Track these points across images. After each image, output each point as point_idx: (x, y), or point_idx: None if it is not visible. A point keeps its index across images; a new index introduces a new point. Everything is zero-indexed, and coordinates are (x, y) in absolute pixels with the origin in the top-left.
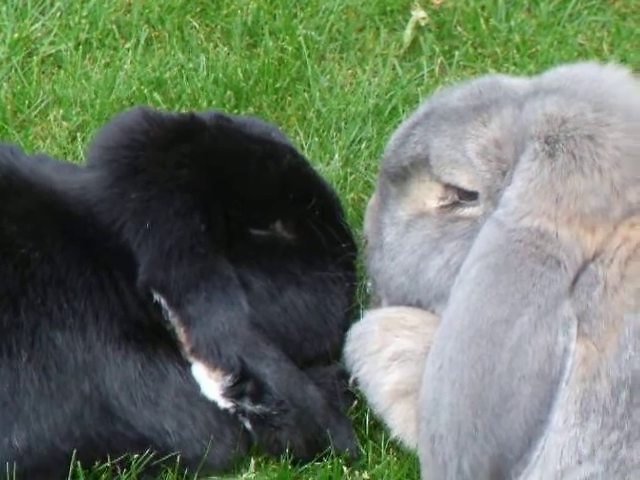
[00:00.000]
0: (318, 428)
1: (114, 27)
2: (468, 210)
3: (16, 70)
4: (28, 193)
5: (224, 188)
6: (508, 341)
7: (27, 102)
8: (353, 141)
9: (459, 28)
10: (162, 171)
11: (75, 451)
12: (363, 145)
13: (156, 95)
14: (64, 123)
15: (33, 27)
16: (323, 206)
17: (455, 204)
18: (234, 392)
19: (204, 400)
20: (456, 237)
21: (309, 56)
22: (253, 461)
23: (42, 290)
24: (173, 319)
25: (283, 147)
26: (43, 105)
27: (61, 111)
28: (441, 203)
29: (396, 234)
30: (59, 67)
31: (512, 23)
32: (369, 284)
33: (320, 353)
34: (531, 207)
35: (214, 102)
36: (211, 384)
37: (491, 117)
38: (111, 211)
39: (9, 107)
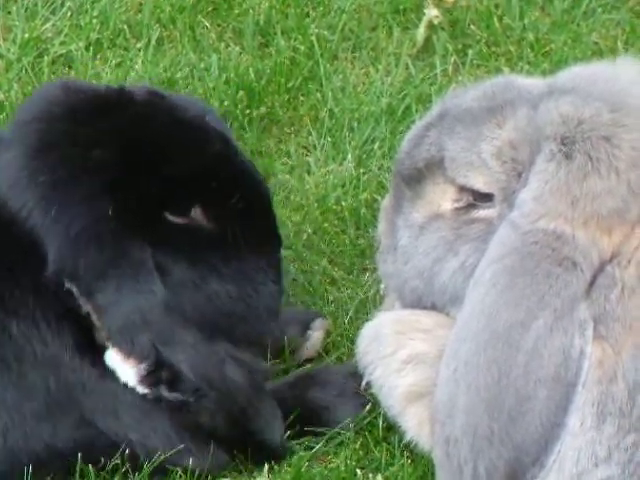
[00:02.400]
0: (240, 408)
1: (125, 27)
2: (483, 212)
3: (27, 71)
4: None
5: (142, 169)
6: (524, 344)
7: None
8: (366, 141)
9: (472, 27)
10: (73, 150)
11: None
12: (376, 145)
13: None
14: None
15: (44, 27)
16: (249, 199)
17: (470, 206)
18: (150, 380)
19: (161, 410)
20: (471, 239)
21: (321, 55)
22: (267, 465)
23: None
24: (86, 306)
25: (214, 133)
26: None
27: None
28: (455, 205)
29: (409, 237)
30: (70, 67)
31: (526, 21)
32: (382, 286)
33: (251, 337)
34: (547, 209)
35: (226, 102)
36: (127, 370)
37: (506, 118)
38: (20, 196)
39: None
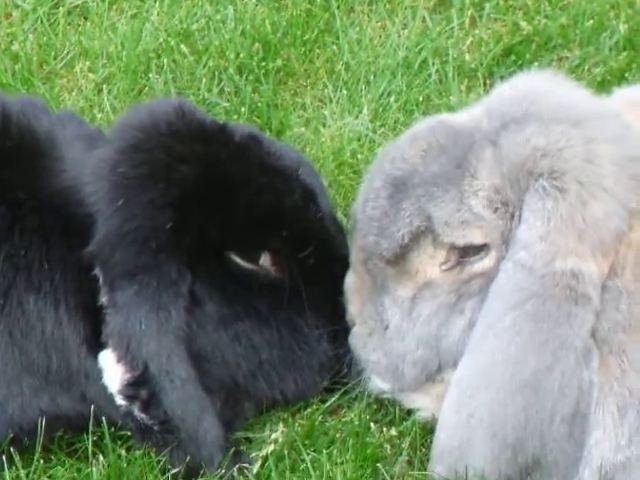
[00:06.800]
0: (201, 460)
1: None
2: (479, 265)
3: (42, 21)
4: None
5: (217, 203)
6: (550, 387)
7: (53, 54)
8: (382, 94)
9: None
10: (161, 158)
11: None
12: (392, 98)
13: (183, 47)
14: (90, 75)
15: None
16: (321, 257)
17: (460, 264)
18: (129, 392)
19: None
20: (474, 294)
21: (338, 8)
22: (281, 420)
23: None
24: (103, 298)
25: (299, 185)
26: (69, 57)
27: (87, 63)
28: (443, 267)
29: (402, 313)
30: (85, 18)
31: None
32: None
33: (300, 390)
34: (557, 247)
35: (242, 54)
36: (113, 375)
37: (476, 168)
38: (96, 182)
39: (35, 59)
